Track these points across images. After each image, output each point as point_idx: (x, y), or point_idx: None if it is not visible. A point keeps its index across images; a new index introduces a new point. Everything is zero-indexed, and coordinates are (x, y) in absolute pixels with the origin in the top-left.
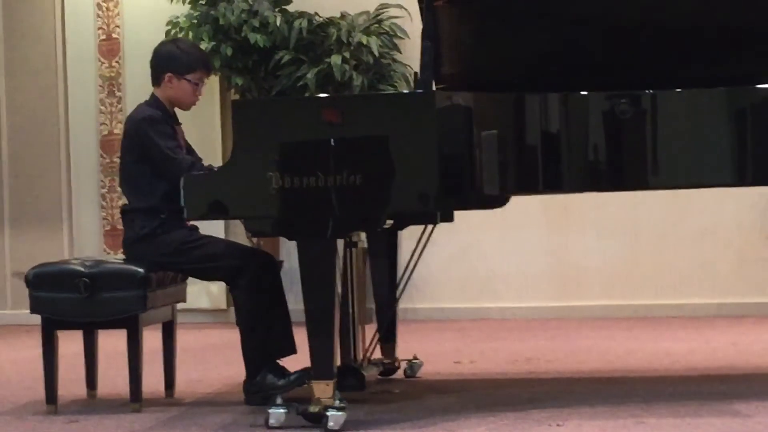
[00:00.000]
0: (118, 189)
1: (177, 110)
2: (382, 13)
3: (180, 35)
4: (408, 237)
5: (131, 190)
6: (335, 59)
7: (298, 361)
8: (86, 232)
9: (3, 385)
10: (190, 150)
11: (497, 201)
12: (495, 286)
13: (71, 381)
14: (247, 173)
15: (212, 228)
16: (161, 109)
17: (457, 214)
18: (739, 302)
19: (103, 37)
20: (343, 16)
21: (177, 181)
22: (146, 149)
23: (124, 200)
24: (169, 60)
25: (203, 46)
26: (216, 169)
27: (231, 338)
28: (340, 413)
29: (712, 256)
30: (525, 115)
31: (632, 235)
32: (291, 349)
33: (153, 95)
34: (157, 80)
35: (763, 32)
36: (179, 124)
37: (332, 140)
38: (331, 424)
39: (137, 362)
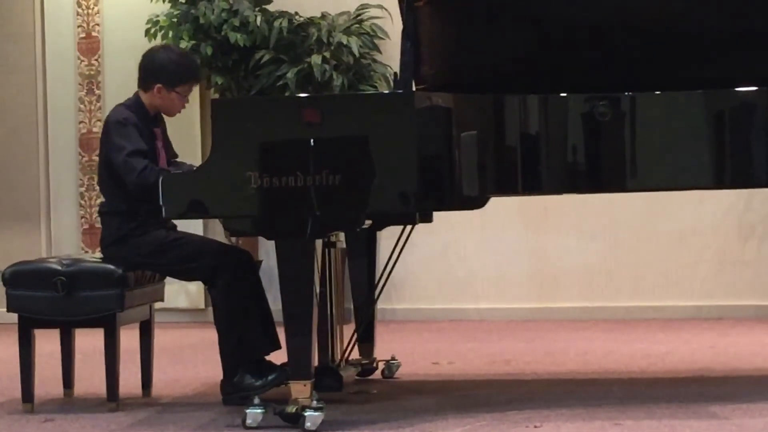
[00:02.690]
0: (97, 187)
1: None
2: (363, 13)
3: (160, 34)
4: (387, 237)
5: (108, 190)
6: (315, 59)
7: (282, 357)
8: (64, 230)
9: None
10: (168, 147)
11: (476, 202)
12: (474, 287)
13: (48, 380)
14: (226, 172)
15: (191, 227)
16: (139, 112)
17: (436, 214)
18: (717, 305)
19: (83, 35)
20: (323, 16)
21: (129, 186)
22: (107, 150)
23: (102, 199)
24: (161, 71)
25: (183, 45)
26: (195, 168)
27: (209, 338)
28: (317, 413)
29: (691, 259)
30: (504, 116)
31: (611, 236)
32: (273, 345)
33: (136, 95)
34: (145, 86)
35: (741, 35)
36: (162, 123)
37: (312, 140)
38: (308, 424)
39: (114, 361)
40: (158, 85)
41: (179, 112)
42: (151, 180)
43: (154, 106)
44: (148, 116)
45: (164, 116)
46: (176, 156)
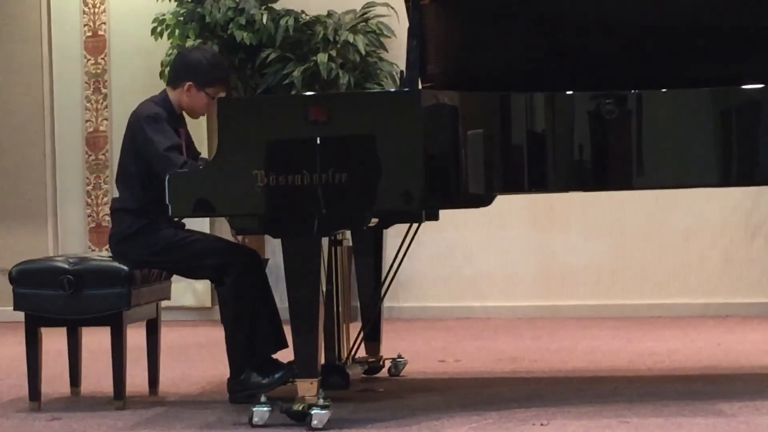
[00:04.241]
0: (103, 186)
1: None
2: (369, 11)
3: (166, 33)
4: (393, 235)
5: (125, 187)
6: (321, 57)
7: (289, 356)
8: (71, 229)
9: None
10: (191, 149)
11: (483, 200)
12: (480, 285)
13: (55, 378)
14: (233, 171)
15: (197, 225)
16: (168, 109)
17: (442, 213)
18: (723, 302)
19: (89, 33)
20: (329, 14)
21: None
22: (141, 146)
23: (108, 197)
24: (194, 69)
25: (189, 43)
26: (201, 168)
27: (216, 336)
28: (324, 411)
29: (697, 256)
30: (511, 114)
31: (618, 234)
32: (280, 344)
33: (164, 92)
34: (175, 83)
35: (748, 33)
36: (184, 125)
37: (318, 138)
38: (314, 422)
39: (121, 360)
40: (189, 83)
41: (203, 114)
42: None
43: (180, 104)
44: (175, 114)
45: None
46: (200, 153)
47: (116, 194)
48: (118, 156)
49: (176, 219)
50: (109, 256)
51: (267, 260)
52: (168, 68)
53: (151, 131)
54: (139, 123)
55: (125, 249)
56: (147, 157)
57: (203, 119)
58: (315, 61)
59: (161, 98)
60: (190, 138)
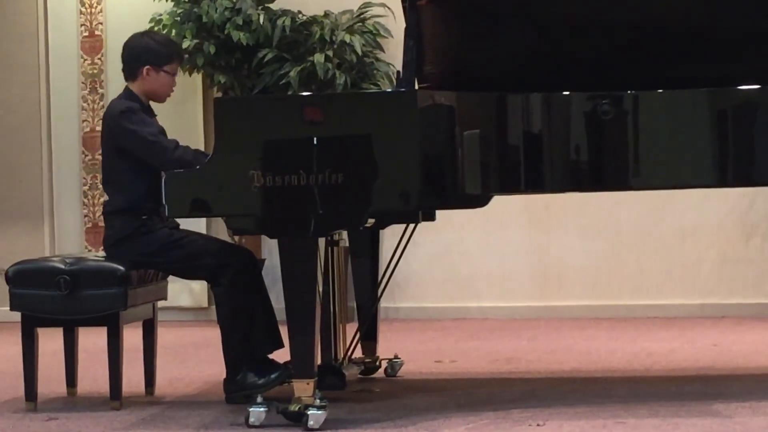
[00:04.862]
0: (100, 186)
1: (153, 104)
2: (366, 11)
3: (164, 33)
4: (390, 236)
5: (112, 188)
6: (318, 57)
7: (285, 356)
8: (67, 229)
9: None
10: None
11: (479, 200)
12: (476, 286)
13: (51, 378)
14: (229, 171)
15: (193, 225)
16: (137, 102)
17: (439, 213)
18: (720, 303)
19: (86, 33)
20: (326, 14)
21: (166, 165)
22: (124, 141)
23: (105, 198)
24: (146, 53)
25: (186, 44)
26: (198, 167)
27: (212, 336)
28: (320, 412)
29: (694, 257)
30: (507, 114)
31: (614, 235)
32: (276, 345)
33: (127, 89)
34: (132, 74)
35: (744, 33)
36: (155, 116)
37: (315, 139)
38: (311, 422)
39: (117, 360)
40: (146, 67)
41: (169, 95)
42: (187, 157)
43: (145, 92)
44: (145, 106)
45: (158, 104)
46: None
47: (107, 199)
48: None
49: (171, 219)
50: (105, 256)
51: (263, 261)
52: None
53: (131, 123)
54: (115, 120)
55: (120, 251)
56: (135, 149)
57: (199, 119)
58: (312, 61)
59: (126, 95)
60: (163, 130)
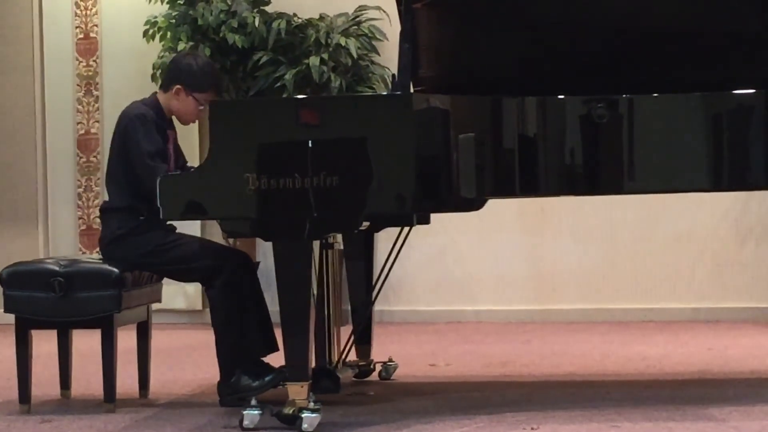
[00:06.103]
0: (95, 188)
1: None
2: (361, 15)
3: (158, 35)
4: (384, 239)
5: (113, 187)
6: (313, 60)
7: (280, 359)
8: (62, 231)
9: None
10: (179, 154)
11: (474, 204)
12: (471, 289)
13: (45, 381)
14: (224, 174)
15: (188, 228)
16: (156, 112)
17: (433, 216)
18: (714, 307)
19: (81, 36)
20: (321, 17)
21: (148, 187)
22: (127, 146)
23: (100, 200)
24: (184, 73)
25: (181, 46)
26: (193, 170)
27: (206, 339)
28: (314, 415)
29: (688, 261)
30: (502, 118)
31: (608, 239)
32: (270, 347)
33: (154, 95)
34: (166, 87)
35: (738, 38)
36: (173, 129)
37: (310, 142)
38: (305, 425)
39: (111, 362)
40: (177, 86)
41: (193, 121)
42: None
43: (170, 108)
44: (163, 117)
45: (177, 124)
46: (186, 162)
47: (107, 197)
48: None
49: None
50: (100, 259)
51: (258, 263)
52: (160, 71)
53: (139, 133)
54: (126, 123)
55: (115, 251)
56: (131, 158)
57: (194, 127)
58: (307, 64)
59: (151, 100)
60: (178, 145)
